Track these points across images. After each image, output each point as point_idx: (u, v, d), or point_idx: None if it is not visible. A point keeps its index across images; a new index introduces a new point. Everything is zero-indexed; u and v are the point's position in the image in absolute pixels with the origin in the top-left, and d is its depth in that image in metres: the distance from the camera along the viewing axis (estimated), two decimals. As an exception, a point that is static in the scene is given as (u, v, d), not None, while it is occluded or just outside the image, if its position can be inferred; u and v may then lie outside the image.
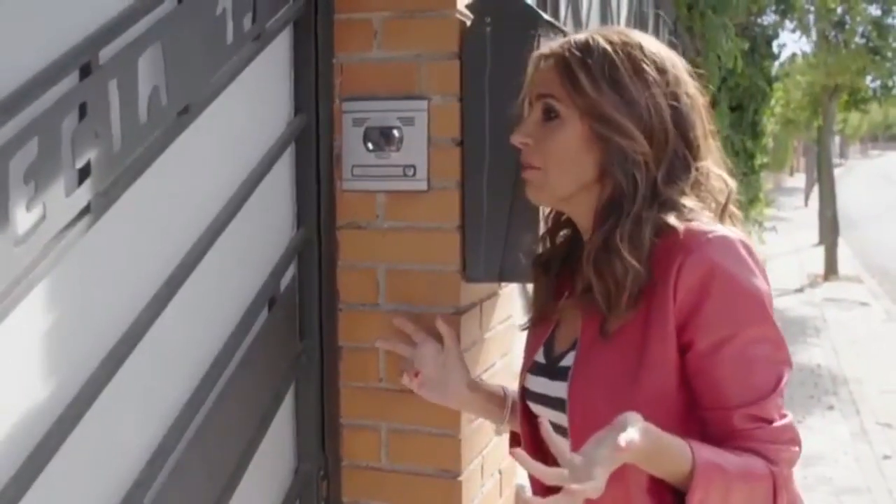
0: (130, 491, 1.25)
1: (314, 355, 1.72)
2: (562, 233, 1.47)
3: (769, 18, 11.75)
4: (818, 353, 9.04)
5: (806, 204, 26.59)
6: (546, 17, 1.69)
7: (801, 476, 5.55)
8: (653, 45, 1.35)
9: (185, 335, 1.39)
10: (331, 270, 1.74)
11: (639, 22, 6.07)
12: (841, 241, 14.71)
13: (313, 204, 1.71)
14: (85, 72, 1.15)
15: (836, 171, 17.36)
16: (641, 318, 1.27)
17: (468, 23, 1.68)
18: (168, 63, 1.30)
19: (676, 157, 1.32)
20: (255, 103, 1.58)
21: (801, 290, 13.02)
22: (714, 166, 1.36)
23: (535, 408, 1.42)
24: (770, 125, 12.42)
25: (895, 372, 8.17)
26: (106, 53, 1.18)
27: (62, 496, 1.14)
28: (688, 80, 1.36)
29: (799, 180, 36.94)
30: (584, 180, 1.33)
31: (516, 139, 1.37)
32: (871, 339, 9.69)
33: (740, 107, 11.24)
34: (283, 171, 1.67)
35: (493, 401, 1.60)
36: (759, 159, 12.10)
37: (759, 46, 11.09)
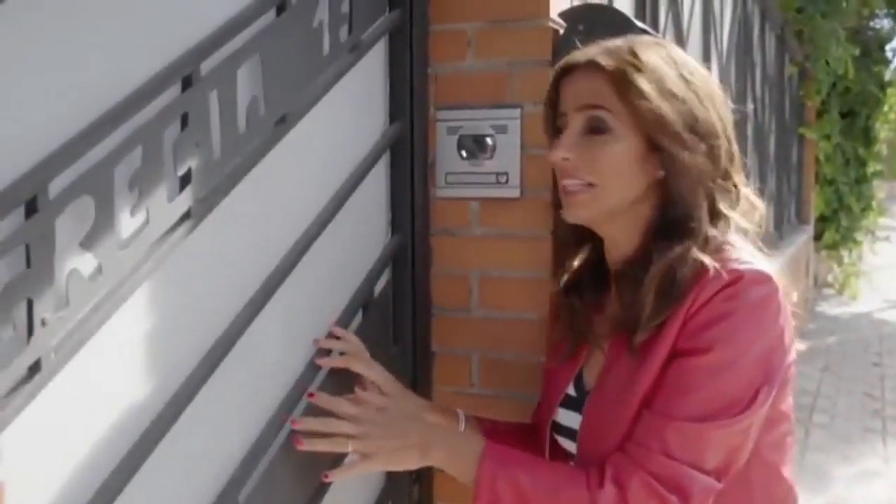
0: (225, 489, 1.28)
1: (407, 360, 1.75)
2: (581, 255, 1.44)
3: (881, 22, 11.36)
4: (931, 371, 8.68)
5: (922, 213, 25.58)
6: (639, 24, 1.68)
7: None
8: (687, 58, 1.32)
9: (280, 338, 1.43)
10: (424, 276, 1.77)
11: (743, 27, 5.95)
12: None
13: (407, 211, 1.73)
14: (187, 83, 1.20)
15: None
16: (656, 336, 1.24)
17: (560, 31, 1.68)
18: (266, 74, 1.34)
19: (724, 173, 1.30)
20: (350, 112, 1.62)
21: (915, 303, 12.52)
22: (743, 185, 1.33)
23: (565, 442, 1.40)
24: (884, 132, 12.01)
25: None
26: (207, 65, 1.23)
27: (159, 492, 1.19)
28: (721, 94, 1.33)
29: (915, 189, 35.53)
30: (636, 196, 1.29)
31: (559, 154, 1.30)
32: None
33: (851, 113, 10.92)
34: (378, 179, 1.70)
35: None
36: (872, 167, 11.71)
37: (872, 51, 10.75)
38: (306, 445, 1.32)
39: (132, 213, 1.11)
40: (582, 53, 1.32)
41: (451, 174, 1.75)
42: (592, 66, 1.28)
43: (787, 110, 8.98)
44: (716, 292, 1.20)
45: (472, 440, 1.33)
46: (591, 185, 1.29)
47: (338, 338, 1.48)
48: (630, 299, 1.27)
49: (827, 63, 7.74)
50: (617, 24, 1.64)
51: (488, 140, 1.71)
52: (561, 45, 1.66)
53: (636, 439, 1.21)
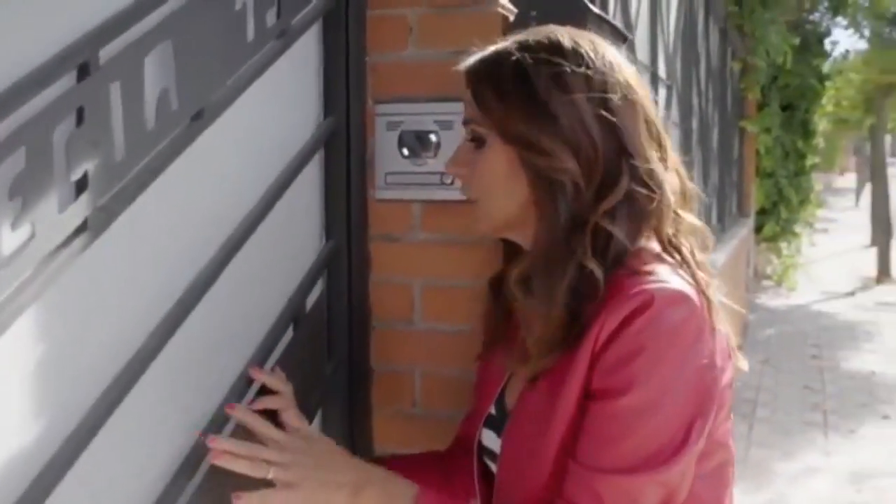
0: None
1: (343, 378, 1.60)
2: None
3: (821, 15, 11.49)
4: (872, 360, 8.79)
5: (857, 204, 26.13)
6: (596, 10, 1.56)
7: (854, 490, 5.37)
8: (584, 45, 1.17)
9: (198, 363, 1.27)
10: (362, 286, 1.63)
11: (689, 20, 5.90)
12: (893, 243, 14.36)
13: (343, 214, 1.59)
14: (83, 72, 1.03)
15: (889, 171, 16.96)
16: (565, 365, 1.12)
17: (511, 17, 1.56)
18: (179, 63, 1.17)
19: (610, 172, 1.14)
20: (279, 106, 1.47)
21: (852, 293, 12.72)
22: (669, 175, 1.18)
23: (489, 463, 1.30)
24: (822, 124, 12.18)
25: (953, 380, 7.92)
26: (108, 52, 1.06)
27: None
28: (628, 83, 1.17)
29: (849, 180, 36.35)
30: (518, 208, 1.18)
31: (446, 168, 1.29)
32: (927, 346, 9.42)
33: (791, 106, 11.04)
34: (310, 179, 1.55)
35: None
36: (810, 159, 11.86)
37: (811, 44, 10.85)
38: (222, 461, 1.17)
39: (13, 227, 0.94)
40: (467, 60, 1.24)
41: (392, 174, 1.62)
42: (466, 76, 1.22)
43: (730, 104, 9.03)
44: (624, 318, 1.07)
45: (406, 485, 1.22)
46: (473, 200, 1.24)
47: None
48: (522, 323, 1.18)
49: (767, 53, 7.80)
50: (573, 10, 1.51)
51: (432, 137, 1.58)
52: (512, 33, 1.53)
53: (567, 496, 1.10)
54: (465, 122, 1.23)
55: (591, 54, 1.16)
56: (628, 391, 1.06)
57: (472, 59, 1.22)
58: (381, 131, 1.61)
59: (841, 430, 6.46)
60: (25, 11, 0.97)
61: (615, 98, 1.15)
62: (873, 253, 14.15)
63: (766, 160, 10.70)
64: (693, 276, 1.14)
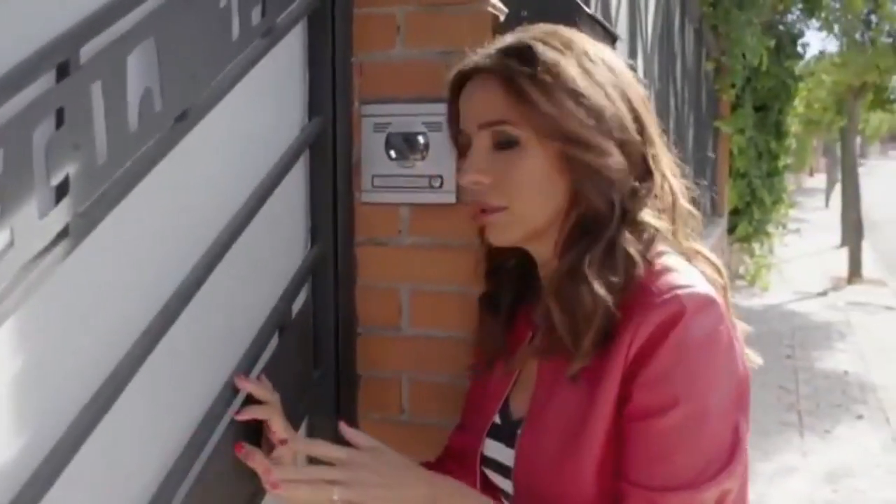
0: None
1: (330, 386, 1.56)
2: (508, 264, 1.30)
3: (795, 17, 11.56)
4: (845, 359, 8.83)
5: (827, 205, 26.33)
6: (588, 9, 1.53)
7: (831, 490, 5.38)
8: (592, 44, 1.18)
9: (183, 373, 1.23)
10: (348, 291, 1.59)
11: (666, 20, 5.90)
12: (863, 244, 14.46)
13: (329, 218, 1.55)
14: (63, 72, 0.98)
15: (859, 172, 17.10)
16: (597, 365, 1.10)
17: (502, 17, 1.52)
18: (163, 62, 1.13)
19: (645, 164, 1.17)
20: (264, 107, 1.42)
21: (824, 293, 12.77)
22: (671, 175, 1.20)
23: (495, 477, 1.26)
24: (794, 125, 12.25)
25: (924, 379, 7.96)
26: (88, 50, 1.01)
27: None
28: (633, 79, 1.19)
29: (818, 181, 36.67)
30: (557, 210, 1.16)
31: (469, 178, 1.17)
32: (899, 345, 9.48)
33: (764, 107, 11.08)
34: (295, 182, 1.51)
35: None
36: (783, 160, 11.92)
37: (784, 45, 10.91)
38: (281, 491, 1.13)
39: (-9, 234, 0.89)
40: (471, 60, 1.19)
41: (379, 177, 1.57)
42: (483, 73, 1.16)
43: (704, 104, 9.05)
44: (657, 329, 1.06)
45: (480, 500, 1.16)
46: (503, 208, 1.16)
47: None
48: (559, 319, 1.13)
49: (743, 55, 7.83)
50: (564, 9, 1.48)
51: (420, 139, 1.55)
52: (502, 32, 1.49)
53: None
54: (488, 125, 1.16)
55: (605, 52, 1.18)
56: (674, 406, 1.06)
57: (489, 59, 1.16)
58: (368, 133, 1.57)
59: (817, 431, 6.48)
60: (1, 8, 0.93)
61: (635, 95, 1.17)
62: (844, 253, 14.24)
63: (740, 160, 10.73)
64: (709, 266, 1.17)
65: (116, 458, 1.11)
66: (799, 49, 11.63)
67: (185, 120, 1.18)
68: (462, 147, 1.22)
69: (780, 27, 11.09)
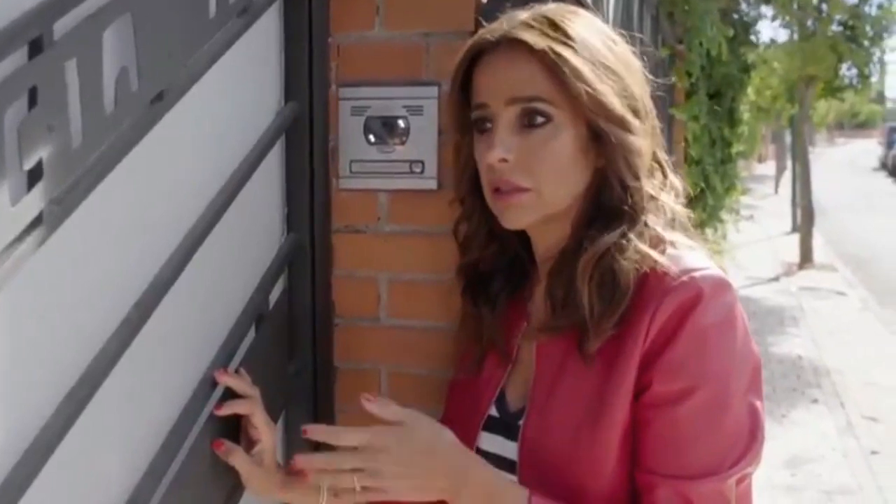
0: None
1: (307, 377, 1.51)
2: (490, 249, 1.26)
3: (749, 4, 11.65)
4: (798, 344, 8.95)
5: (776, 191, 26.66)
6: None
7: (789, 474, 5.44)
8: (603, 25, 1.18)
9: (160, 365, 1.18)
10: (325, 281, 1.54)
11: (626, 6, 5.90)
12: (813, 230, 14.67)
13: (305, 205, 1.50)
14: (35, 48, 0.93)
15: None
16: (612, 348, 1.08)
17: (484, -1, 1.47)
18: (139, 39, 1.07)
19: (661, 144, 1.20)
20: (239, 89, 1.37)
21: (776, 279, 12.95)
22: (666, 164, 1.22)
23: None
24: (746, 113, 12.36)
25: (876, 363, 8.09)
26: (62, 26, 0.96)
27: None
28: (639, 63, 1.19)
29: (768, 168, 37.13)
30: (580, 190, 1.14)
31: (496, 155, 1.12)
32: (850, 329, 9.62)
33: (718, 94, 11.15)
34: (270, 168, 1.45)
35: None
36: (736, 147, 12.02)
37: (739, 34, 10.98)
38: (310, 479, 1.09)
39: (-39, 222, 0.83)
40: (497, 29, 1.13)
41: (357, 162, 1.52)
42: (514, 45, 1.11)
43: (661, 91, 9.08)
44: (675, 312, 1.05)
45: (512, 488, 1.10)
46: (529, 188, 1.13)
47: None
48: (563, 298, 1.12)
49: (701, 44, 7.83)
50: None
51: (400, 122, 1.50)
52: (486, 13, 1.45)
53: (664, 495, 1.05)
54: (519, 101, 1.11)
55: (611, 31, 1.18)
56: (696, 391, 1.05)
57: (522, 27, 1.11)
58: (346, 117, 1.52)
59: (774, 415, 6.54)
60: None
61: (641, 72, 1.18)
62: (795, 239, 14.43)
63: (694, 148, 10.78)
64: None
65: (93, 459, 1.06)
66: (752, 38, 11.73)
67: (161, 101, 1.12)
68: (478, 121, 1.16)
69: (735, 15, 11.16)
